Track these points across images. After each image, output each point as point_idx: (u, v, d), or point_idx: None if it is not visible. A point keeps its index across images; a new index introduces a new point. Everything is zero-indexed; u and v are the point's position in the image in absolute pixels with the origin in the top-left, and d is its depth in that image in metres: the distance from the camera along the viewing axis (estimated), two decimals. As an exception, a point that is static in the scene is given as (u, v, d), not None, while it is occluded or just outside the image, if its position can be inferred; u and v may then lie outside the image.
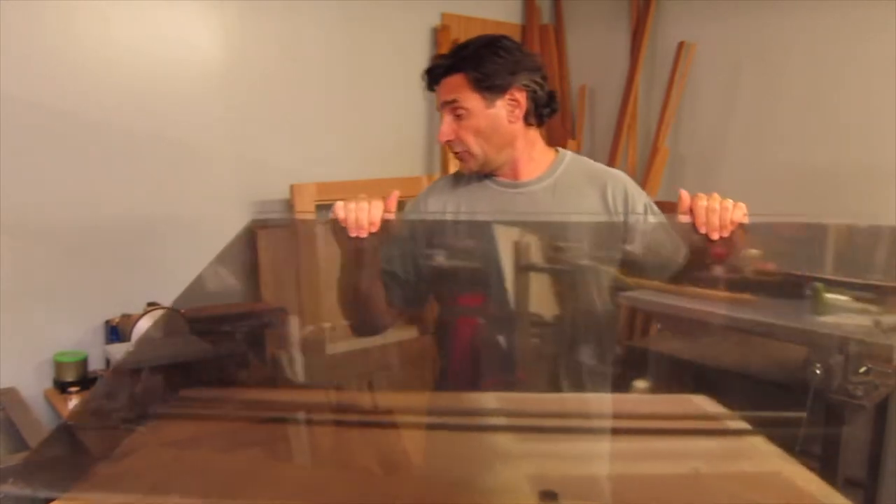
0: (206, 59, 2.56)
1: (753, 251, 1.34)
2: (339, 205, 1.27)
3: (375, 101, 2.96)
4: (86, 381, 2.25)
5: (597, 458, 1.33)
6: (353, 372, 1.85)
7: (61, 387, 2.23)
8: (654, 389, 1.57)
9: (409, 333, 1.71)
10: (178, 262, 1.59)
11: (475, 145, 1.36)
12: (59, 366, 2.25)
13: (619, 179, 1.42)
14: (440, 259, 1.49)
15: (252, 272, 2.50)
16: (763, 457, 1.31)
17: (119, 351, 2.25)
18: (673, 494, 1.20)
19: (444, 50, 1.62)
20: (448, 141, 1.38)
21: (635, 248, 1.42)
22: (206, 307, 1.82)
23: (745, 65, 2.85)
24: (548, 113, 1.42)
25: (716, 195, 1.24)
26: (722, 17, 2.89)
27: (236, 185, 2.66)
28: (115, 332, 2.36)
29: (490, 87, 1.33)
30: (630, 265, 1.43)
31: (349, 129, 2.93)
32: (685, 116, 3.06)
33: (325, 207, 1.34)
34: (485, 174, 1.43)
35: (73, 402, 2.17)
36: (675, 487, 1.22)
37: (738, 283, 1.48)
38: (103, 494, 1.12)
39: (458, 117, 1.35)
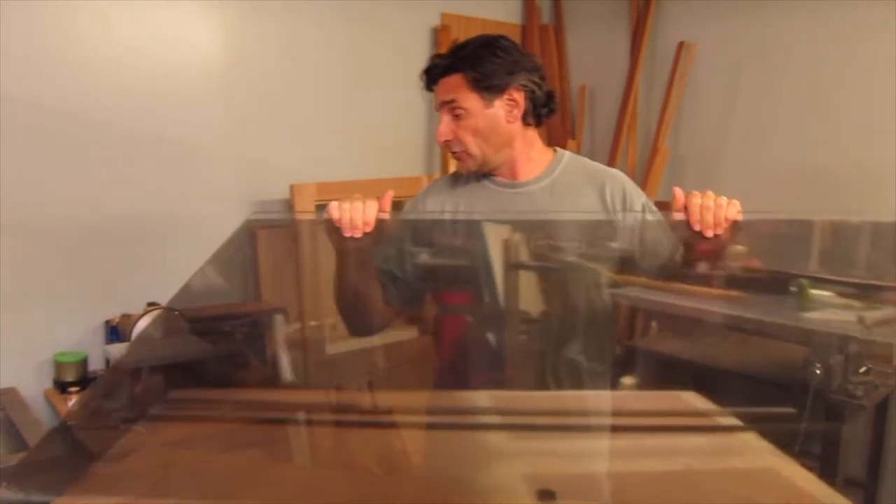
0: (206, 59, 2.56)
1: (739, 247, 1.34)
2: (334, 205, 1.27)
3: (375, 101, 2.96)
4: (86, 381, 2.25)
5: (590, 455, 1.33)
6: (353, 372, 1.85)
7: (61, 387, 2.23)
8: (648, 387, 1.57)
9: (409, 333, 1.71)
10: (178, 262, 1.59)
11: (473, 145, 1.36)
12: (59, 366, 2.25)
13: (618, 179, 1.43)
14: (436, 258, 1.49)
15: (251, 272, 2.50)
16: (755, 453, 1.32)
17: (119, 351, 2.25)
18: (668, 492, 1.20)
19: (444, 50, 1.62)
20: (446, 141, 1.38)
21: (632, 246, 1.42)
22: (206, 307, 1.81)
23: (745, 65, 2.84)
24: (546, 113, 1.42)
25: (710, 193, 1.24)
26: (722, 17, 2.89)
27: (236, 185, 2.66)
28: (115, 332, 2.36)
29: (488, 87, 1.33)
30: (628, 264, 1.43)
31: (349, 129, 2.93)
32: (685, 116, 3.06)
33: (324, 207, 1.34)
34: (483, 174, 1.43)
35: (73, 402, 2.17)
36: (669, 485, 1.22)
37: (729, 280, 1.48)
38: (99, 497, 1.11)
39: (456, 117, 1.35)
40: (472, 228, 1.49)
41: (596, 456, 1.33)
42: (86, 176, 2.33)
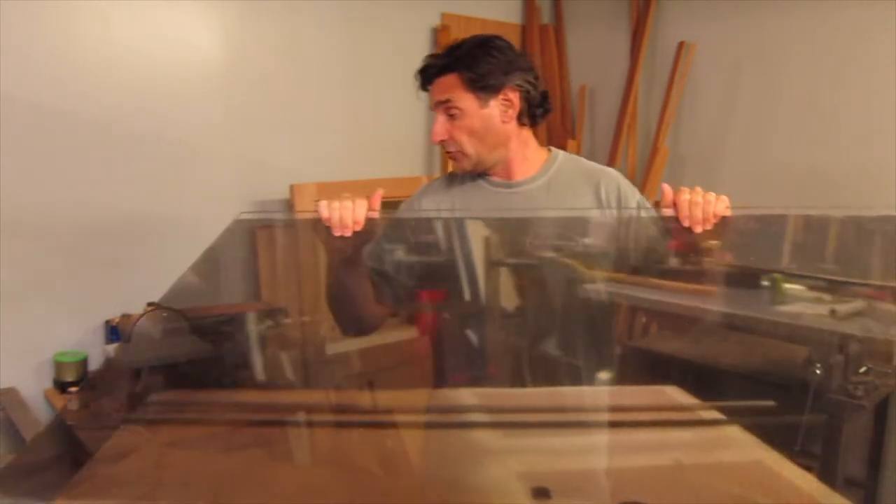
0: (206, 59, 2.56)
1: (713, 242, 1.35)
2: (323, 204, 1.27)
3: (375, 101, 2.96)
4: (86, 381, 2.25)
5: (581, 452, 1.33)
6: (350, 372, 1.85)
7: (61, 387, 2.23)
8: (636, 383, 1.58)
9: (408, 333, 1.71)
10: (178, 262, 1.60)
11: (469, 145, 1.36)
12: (59, 366, 2.25)
13: (613, 177, 1.43)
14: (430, 258, 1.49)
15: (252, 272, 2.50)
16: (741, 446, 1.33)
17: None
18: (660, 487, 1.21)
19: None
20: (442, 141, 1.38)
21: (627, 244, 1.43)
22: (204, 307, 1.81)
23: (745, 65, 2.84)
24: (541, 113, 1.43)
25: (698, 189, 1.24)
26: (722, 17, 2.89)
27: (236, 185, 2.65)
28: (115, 332, 2.36)
29: (484, 87, 1.33)
30: (624, 261, 1.43)
31: (349, 129, 2.93)
32: (685, 116, 3.06)
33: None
34: (478, 174, 1.43)
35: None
36: (660, 480, 1.23)
37: (715, 276, 1.50)
38: (91, 502, 1.10)
39: (451, 117, 1.35)
40: (468, 228, 1.49)
41: (586, 452, 1.33)
42: (86, 176, 2.33)
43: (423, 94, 1.42)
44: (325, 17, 2.81)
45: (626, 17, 3.22)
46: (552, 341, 1.46)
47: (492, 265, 1.49)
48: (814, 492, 1.23)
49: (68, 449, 1.21)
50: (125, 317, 2.34)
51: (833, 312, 1.53)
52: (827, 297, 1.54)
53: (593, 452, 1.33)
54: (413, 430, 1.48)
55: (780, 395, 1.55)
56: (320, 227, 1.28)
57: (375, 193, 1.30)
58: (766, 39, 2.76)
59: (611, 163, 3.15)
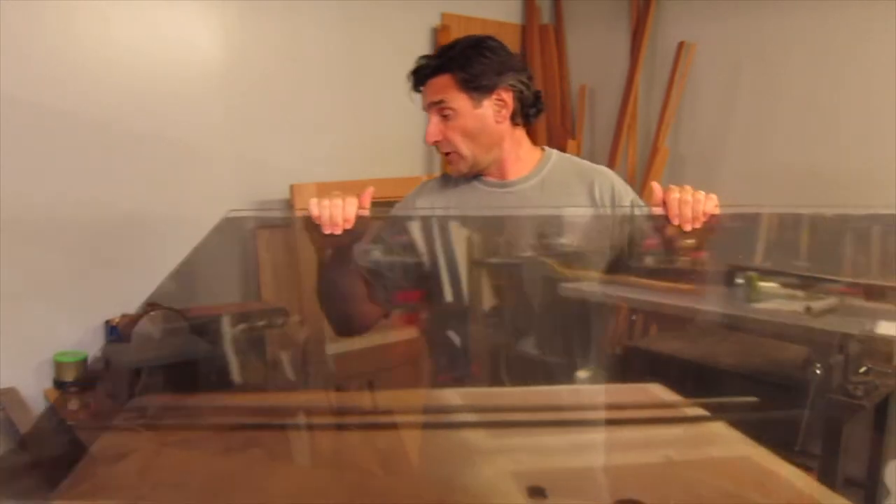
0: (206, 59, 2.56)
1: (688, 241, 1.36)
2: (313, 202, 1.27)
3: (375, 101, 2.96)
4: (86, 381, 2.25)
5: (572, 450, 1.34)
6: (352, 372, 1.85)
7: (61, 387, 2.23)
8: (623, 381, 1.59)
9: (403, 334, 1.71)
10: (178, 262, 1.61)
11: (463, 146, 1.36)
12: (59, 366, 2.25)
13: (606, 176, 1.44)
14: (423, 258, 1.49)
15: (245, 271, 2.49)
16: (728, 442, 1.34)
17: (119, 351, 2.24)
18: (654, 484, 1.22)
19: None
20: (435, 142, 1.38)
21: (622, 243, 1.43)
22: (203, 308, 1.81)
23: (745, 65, 2.84)
24: (534, 113, 1.43)
25: (687, 187, 1.25)
26: (722, 17, 2.89)
27: (236, 185, 2.65)
28: (115, 332, 2.36)
29: (477, 87, 1.34)
30: (620, 260, 1.44)
31: (349, 129, 2.93)
32: (685, 116, 3.06)
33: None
34: (473, 175, 1.43)
35: (73, 402, 2.16)
36: (653, 477, 1.24)
37: (695, 275, 1.51)
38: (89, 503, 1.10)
39: (445, 118, 1.36)
40: (462, 228, 1.49)
41: (577, 451, 1.34)
42: (86, 176, 2.33)
43: (417, 96, 1.42)
44: (325, 17, 2.81)
45: (626, 17, 3.22)
46: (557, 342, 1.46)
47: (485, 266, 1.49)
48: (802, 485, 1.24)
49: (62, 446, 1.21)
50: (125, 317, 2.34)
51: (808, 309, 1.56)
52: (801, 294, 1.57)
53: (584, 450, 1.34)
54: (404, 430, 1.48)
55: (813, 406, 1.56)
56: (311, 225, 1.27)
57: (366, 192, 1.30)
58: (766, 39, 2.76)
59: (611, 163, 3.15)
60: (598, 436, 1.37)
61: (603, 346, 1.54)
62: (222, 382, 1.61)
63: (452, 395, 1.49)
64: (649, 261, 1.48)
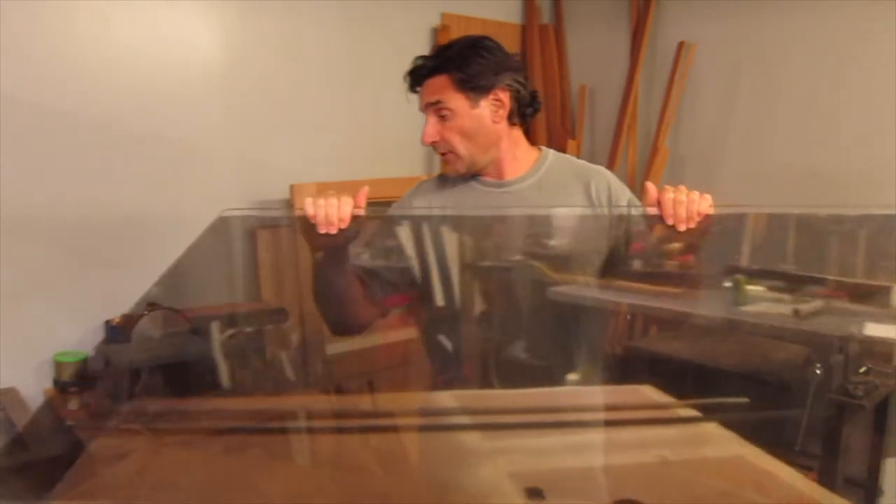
0: (206, 59, 2.56)
1: (675, 245, 1.36)
2: (309, 201, 1.26)
3: (375, 101, 2.96)
4: (86, 381, 2.25)
5: (568, 451, 1.34)
6: (352, 372, 1.85)
7: (61, 387, 2.23)
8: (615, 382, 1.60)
9: (405, 335, 1.71)
10: (182, 262, 1.61)
11: (460, 146, 1.37)
12: (59, 366, 2.25)
13: (603, 175, 1.44)
14: (417, 258, 1.49)
15: (243, 270, 2.49)
16: (721, 442, 1.35)
17: (119, 351, 2.24)
18: (650, 483, 1.22)
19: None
20: (433, 142, 1.38)
21: (619, 243, 1.44)
22: (203, 307, 1.81)
23: (745, 65, 2.84)
24: (531, 112, 1.43)
25: (682, 187, 1.24)
26: (722, 17, 2.89)
27: (236, 185, 2.65)
28: (115, 332, 2.35)
29: (475, 87, 1.34)
30: (616, 260, 1.44)
31: (349, 129, 2.93)
32: (685, 116, 3.06)
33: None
34: (470, 175, 1.43)
35: (73, 401, 2.16)
36: (649, 477, 1.24)
37: (689, 277, 1.52)
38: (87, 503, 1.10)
39: (442, 118, 1.36)
40: (460, 228, 1.49)
41: (572, 452, 1.35)
42: (86, 176, 2.33)
43: (414, 96, 1.42)
44: (325, 17, 2.81)
45: (626, 17, 3.22)
46: (554, 344, 1.46)
47: (482, 268, 1.49)
48: (795, 482, 1.24)
49: (59, 446, 1.21)
50: (125, 317, 2.34)
51: (796, 312, 1.57)
52: (788, 297, 1.59)
53: (578, 451, 1.34)
54: (399, 432, 1.49)
55: (813, 406, 1.57)
56: (306, 224, 1.27)
57: (361, 191, 1.30)
58: (766, 39, 2.76)
59: (611, 163, 3.15)
60: (592, 437, 1.37)
61: (599, 348, 1.54)
62: (218, 383, 1.61)
63: (446, 398, 1.49)
64: (643, 263, 1.48)
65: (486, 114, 1.36)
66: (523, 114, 1.41)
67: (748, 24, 2.81)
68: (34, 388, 2.25)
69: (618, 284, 1.50)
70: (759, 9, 2.76)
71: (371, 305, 1.44)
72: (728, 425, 1.34)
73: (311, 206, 1.26)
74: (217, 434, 1.44)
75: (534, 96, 1.42)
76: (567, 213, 1.42)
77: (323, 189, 1.31)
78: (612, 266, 1.43)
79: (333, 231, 1.26)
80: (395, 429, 1.49)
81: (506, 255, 1.50)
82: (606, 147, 3.23)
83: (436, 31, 3.13)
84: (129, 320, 2.23)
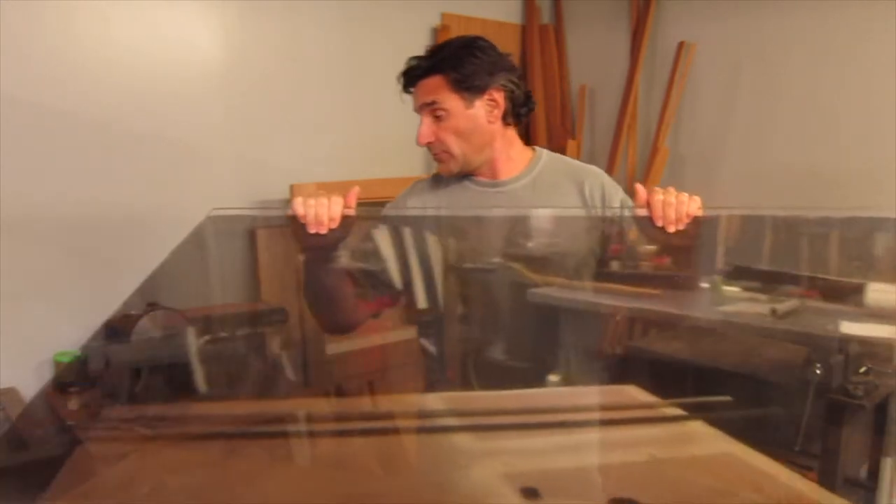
0: (206, 59, 2.56)
1: (650, 247, 1.37)
2: (298, 201, 1.26)
3: (375, 101, 2.96)
4: (86, 381, 2.24)
5: (559, 451, 1.35)
6: (352, 372, 1.85)
7: (61, 387, 2.23)
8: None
9: (407, 334, 1.71)
10: (178, 262, 1.61)
11: (455, 146, 1.37)
12: (59, 366, 2.25)
13: (597, 175, 1.44)
14: (412, 258, 1.49)
15: (241, 270, 2.49)
16: (708, 440, 1.36)
17: (119, 351, 2.24)
18: (641, 482, 1.22)
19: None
20: (428, 143, 1.39)
21: (612, 243, 1.44)
22: (202, 307, 1.81)
23: (745, 65, 2.84)
24: (525, 112, 1.44)
25: (671, 189, 1.25)
26: (722, 17, 2.89)
27: (236, 185, 2.65)
28: (115, 332, 2.35)
29: (469, 87, 1.34)
30: (609, 261, 1.45)
31: (349, 129, 2.93)
32: (685, 116, 3.06)
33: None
34: (464, 175, 1.44)
35: (73, 401, 2.16)
36: (639, 475, 1.25)
37: (679, 278, 1.53)
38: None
39: (437, 118, 1.36)
40: (452, 228, 1.50)
41: (564, 451, 1.35)
42: (86, 176, 2.33)
43: (408, 97, 1.42)
44: (325, 17, 2.81)
45: (626, 17, 3.22)
46: (549, 345, 1.46)
47: (474, 269, 1.50)
48: (784, 477, 1.25)
49: (57, 446, 1.21)
50: (125, 317, 2.34)
51: (773, 311, 1.59)
52: (764, 297, 1.61)
53: (569, 451, 1.35)
54: (403, 435, 1.49)
55: (813, 406, 1.58)
56: (296, 224, 1.27)
57: (351, 191, 1.30)
58: (766, 39, 2.76)
59: (611, 163, 3.15)
60: (581, 437, 1.38)
61: (594, 348, 1.54)
62: (211, 384, 1.61)
63: (435, 400, 1.49)
64: (633, 265, 1.49)
65: (481, 114, 1.36)
66: (518, 114, 1.42)
67: (748, 24, 2.81)
68: (34, 388, 2.25)
69: (615, 288, 1.51)
70: (759, 9, 2.76)
71: (362, 304, 1.44)
72: (728, 425, 1.34)
73: (301, 206, 1.26)
74: (217, 437, 1.44)
75: (528, 96, 1.42)
76: (560, 214, 1.42)
77: (323, 189, 1.31)
78: (607, 266, 1.44)
79: (323, 231, 1.26)
80: (392, 430, 1.49)
81: (498, 256, 1.50)
82: (606, 147, 3.23)
83: (436, 31, 3.13)
84: (129, 320, 2.23)
